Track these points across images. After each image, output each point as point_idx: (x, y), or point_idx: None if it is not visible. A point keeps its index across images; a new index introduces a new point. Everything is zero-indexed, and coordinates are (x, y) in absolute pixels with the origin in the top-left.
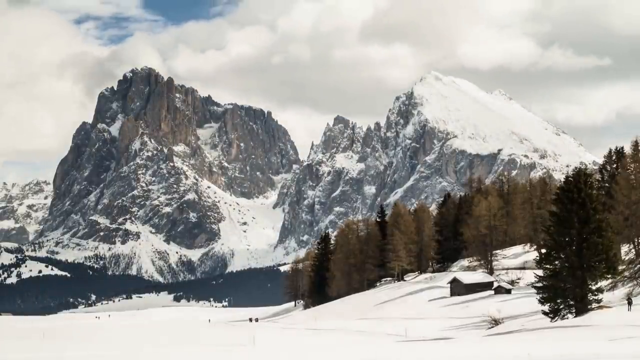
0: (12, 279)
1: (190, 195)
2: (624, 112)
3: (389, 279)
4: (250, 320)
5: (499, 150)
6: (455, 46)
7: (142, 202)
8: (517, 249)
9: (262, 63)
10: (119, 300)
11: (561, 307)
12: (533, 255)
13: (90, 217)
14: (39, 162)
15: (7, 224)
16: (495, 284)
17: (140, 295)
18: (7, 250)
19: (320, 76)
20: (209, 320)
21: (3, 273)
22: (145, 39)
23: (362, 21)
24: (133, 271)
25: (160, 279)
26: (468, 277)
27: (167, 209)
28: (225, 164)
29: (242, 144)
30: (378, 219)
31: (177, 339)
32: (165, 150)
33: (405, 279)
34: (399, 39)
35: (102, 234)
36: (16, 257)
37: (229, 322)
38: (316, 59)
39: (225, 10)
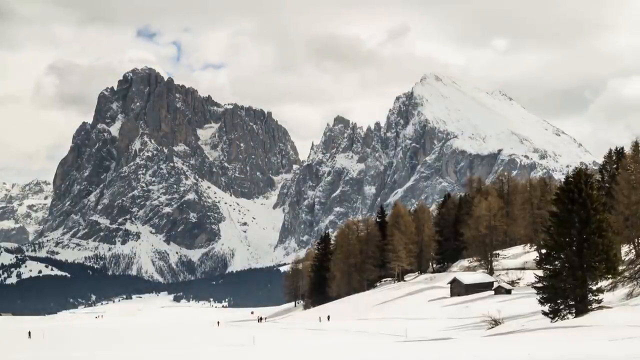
0: (12, 279)
1: (191, 196)
2: None
3: (389, 279)
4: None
5: (499, 151)
6: None
7: (142, 202)
8: (517, 249)
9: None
10: (119, 300)
11: (561, 307)
12: (533, 255)
13: (90, 217)
14: (39, 162)
15: (7, 224)
16: (496, 284)
17: (140, 295)
18: (7, 250)
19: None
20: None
21: (3, 273)
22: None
23: None
24: (133, 271)
25: (160, 279)
26: (468, 278)
27: (167, 209)
28: (226, 164)
29: (242, 144)
30: (378, 219)
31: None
32: (166, 151)
33: (405, 279)
34: None
35: (102, 234)
36: (16, 257)
37: (228, 322)
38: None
39: None
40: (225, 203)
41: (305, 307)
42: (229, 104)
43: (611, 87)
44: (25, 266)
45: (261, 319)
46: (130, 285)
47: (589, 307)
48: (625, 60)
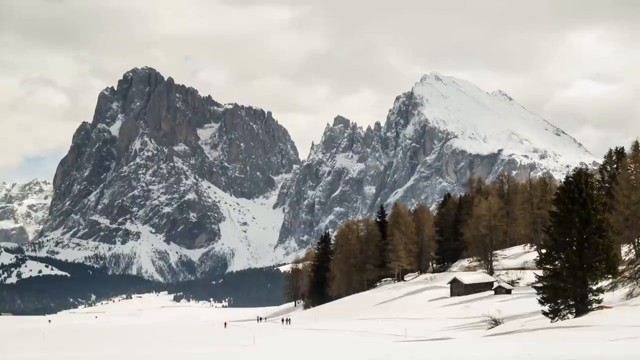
0: (12, 279)
1: (191, 195)
2: None
3: (389, 279)
4: (259, 319)
5: (499, 151)
6: None
7: (142, 202)
8: (517, 249)
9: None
10: (119, 300)
11: (561, 307)
12: (533, 255)
13: (91, 217)
14: (39, 162)
15: (7, 224)
16: (496, 284)
17: (140, 295)
18: (7, 250)
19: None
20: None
21: (3, 273)
22: None
23: None
24: (133, 271)
25: (161, 279)
26: (468, 277)
27: (167, 209)
28: (226, 164)
29: (242, 144)
30: (378, 219)
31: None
32: (166, 150)
33: (405, 279)
34: None
35: (102, 234)
36: (16, 257)
37: (229, 322)
38: None
39: None
40: (225, 203)
41: (305, 307)
42: (229, 104)
43: (558, 98)
44: (25, 266)
45: (260, 318)
46: (130, 285)
47: (589, 307)
48: (568, 77)
